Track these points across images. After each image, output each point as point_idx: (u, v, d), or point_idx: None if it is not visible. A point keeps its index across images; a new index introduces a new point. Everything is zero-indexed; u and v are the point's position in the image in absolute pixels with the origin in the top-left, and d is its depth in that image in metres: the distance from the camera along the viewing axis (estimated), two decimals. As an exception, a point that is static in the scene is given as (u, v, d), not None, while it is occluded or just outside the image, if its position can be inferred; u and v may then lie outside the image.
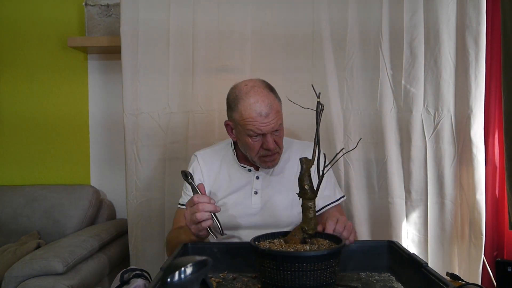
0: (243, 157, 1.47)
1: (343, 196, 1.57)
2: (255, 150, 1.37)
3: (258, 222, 1.43)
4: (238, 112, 1.34)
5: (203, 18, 1.94)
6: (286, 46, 1.93)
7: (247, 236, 1.40)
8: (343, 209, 1.90)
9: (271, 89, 1.38)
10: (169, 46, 1.95)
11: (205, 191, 1.30)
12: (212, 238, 1.33)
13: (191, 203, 1.21)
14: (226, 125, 1.45)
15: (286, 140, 1.50)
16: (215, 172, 1.50)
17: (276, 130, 1.36)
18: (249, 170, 1.47)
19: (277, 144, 1.37)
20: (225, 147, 1.54)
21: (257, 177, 1.47)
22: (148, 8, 1.95)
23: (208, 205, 1.19)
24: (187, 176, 1.33)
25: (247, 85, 1.36)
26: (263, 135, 1.34)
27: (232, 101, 1.38)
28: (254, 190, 1.45)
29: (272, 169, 1.47)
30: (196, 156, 1.54)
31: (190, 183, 1.32)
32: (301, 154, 1.46)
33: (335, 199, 1.51)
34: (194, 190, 1.29)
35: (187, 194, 1.50)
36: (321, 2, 1.89)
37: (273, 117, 1.32)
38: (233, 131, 1.43)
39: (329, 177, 1.52)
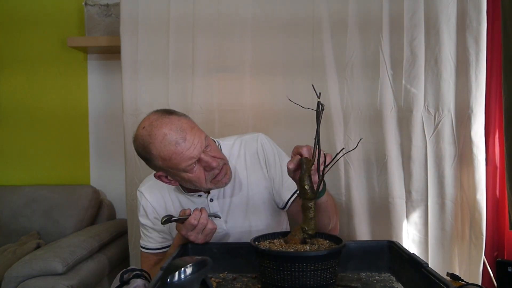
0: (189, 188, 1.33)
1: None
2: (203, 179, 1.24)
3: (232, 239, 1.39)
4: (156, 158, 1.19)
5: (203, 18, 1.94)
6: (286, 46, 1.93)
7: None
8: (343, 207, 1.91)
9: (169, 112, 1.25)
10: (169, 46, 1.95)
11: (190, 211, 1.22)
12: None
13: (191, 227, 1.18)
14: (159, 177, 1.29)
15: (224, 144, 1.41)
16: (166, 204, 1.39)
17: (206, 146, 1.23)
18: (200, 196, 1.35)
19: (216, 158, 1.24)
20: (231, 144, 1.43)
21: (211, 200, 1.36)
22: (147, 8, 1.95)
23: (205, 217, 1.20)
24: (166, 221, 1.19)
25: (144, 127, 1.21)
26: (199, 160, 1.21)
27: (144, 153, 1.22)
28: (210, 198, 1.36)
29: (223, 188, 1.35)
30: (141, 192, 1.41)
31: (176, 221, 1.20)
32: (245, 153, 1.40)
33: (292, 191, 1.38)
34: (182, 220, 1.20)
35: (147, 236, 1.41)
36: (321, 2, 1.89)
37: (192, 137, 1.19)
38: (168, 178, 1.28)
39: (282, 159, 1.40)
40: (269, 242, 1.09)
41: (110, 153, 2.38)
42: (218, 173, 1.25)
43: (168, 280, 0.74)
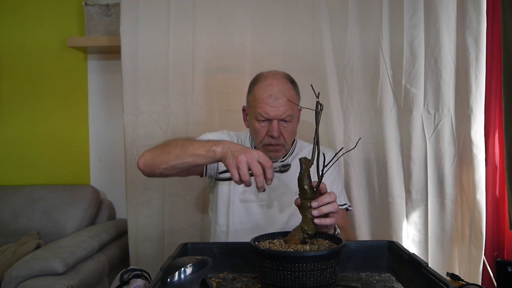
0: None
1: (347, 205, 1.51)
2: (261, 136, 1.37)
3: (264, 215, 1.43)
4: (252, 93, 1.38)
5: (203, 18, 1.94)
6: (286, 46, 1.93)
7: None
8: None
9: (291, 80, 1.40)
10: (169, 45, 1.95)
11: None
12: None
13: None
14: (243, 110, 1.48)
15: (300, 143, 1.52)
16: None
17: (285, 121, 1.35)
18: None
19: (282, 135, 1.36)
20: (244, 136, 1.54)
21: None
22: (148, 8, 1.95)
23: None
24: (222, 172, 1.19)
25: (269, 71, 1.40)
26: (270, 121, 1.34)
27: (251, 84, 1.42)
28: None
29: (285, 168, 1.42)
30: (225, 131, 1.54)
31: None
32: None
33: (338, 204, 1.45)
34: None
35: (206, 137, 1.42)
36: (321, 2, 1.89)
37: (283, 103, 1.32)
38: (247, 116, 1.45)
39: (337, 181, 1.50)
40: (269, 242, 1.09)
41: (110, 153, 2.38)
42: (272, 145, 1.36)
43: (168, 280, 0.74)
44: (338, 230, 1.21)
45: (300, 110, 1.46)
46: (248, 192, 1.44)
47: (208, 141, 1.23)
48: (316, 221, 1.04)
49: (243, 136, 1.56)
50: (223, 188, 1.46)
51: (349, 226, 1.52)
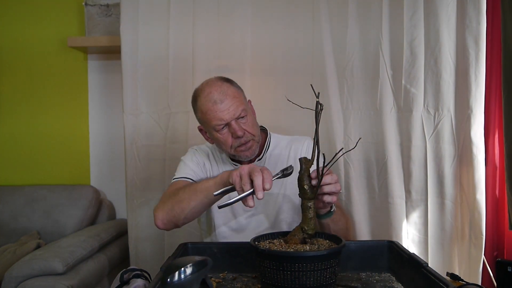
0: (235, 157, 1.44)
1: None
2: (228, 143, 1.35)
3: (258, 219, 1.44)
4: (199, 110, 1.37)
5: (203, 18, 1.94)
6: (286, 46, 1.93)
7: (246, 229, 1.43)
8: (343, 207, 1.91)
9: (226, 80, 1.39)
10: (169, 45, 1.95)
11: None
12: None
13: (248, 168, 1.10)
14: (200, 130, 1.45)
15: (275, 137, 1.51)
16: (207, 167, 1.48)
17: (242, 117, 1.34)
18: None
19: (246, 131, 1.34)
20: (216, 147, 1.51)
21: None
22: (148, 8, 1.95)
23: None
24: (223, 206, 1.10)
25: (201, 84, 1.39)
26: (228, 125, 1.33)
27: (193, 103, 1.40)
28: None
29: (264, 164, 1.44)
30: (194, 149, 1.53)
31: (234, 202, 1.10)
32: (290, 148, 1.48)
33: None
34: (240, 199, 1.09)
35: (185, 169, 1.44)
36: (321, 2, 1.89)
37: (230, 103, 1.31)
38: (207, 134, 1.42)
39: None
40: (269, 242, 1.09)
41: (110, 153, 2.38)
42: (244, 144, 1.35)
43: (168, 280, 0.74)
44: (334, 208, 1.24)
45: (249, 101, 1.45)
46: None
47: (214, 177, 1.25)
48: (319, 197, 1.07)
49: (211, 147, 1.53)
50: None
51: (346, 214, 1.51)
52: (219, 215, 1.45)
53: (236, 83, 1.41)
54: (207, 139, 1.45)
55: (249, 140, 1.36)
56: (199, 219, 1.54)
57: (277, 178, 1.10)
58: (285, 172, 1.12)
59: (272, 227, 1.44)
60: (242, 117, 1.34)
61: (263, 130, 1.50)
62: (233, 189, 1.09)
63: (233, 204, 1.07)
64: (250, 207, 1.04)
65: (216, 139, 1.38)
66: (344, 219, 1.35)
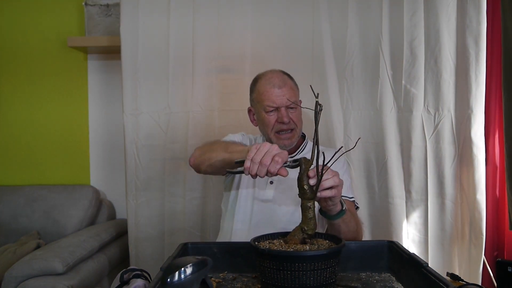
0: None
1: (354, 199, 1.51)
2: (271, 124, 1.45)
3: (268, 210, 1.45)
4: (256, 90, 1.48)
5: (203, 18, 1.94)
6: (286, 46, 1.93)
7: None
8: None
9: (287, 74, 1.51)
10: (169, 46, 1.95)
11: None
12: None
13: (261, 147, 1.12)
14: (249, 111, 1.56)
15: (310, 144, 1.55)
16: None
17: (291, 108, 1.44)
18: None
19: (292, 120, 1.44)
20: (258, 138, 1.61)
21: None
22: (148, 8, 1.95)
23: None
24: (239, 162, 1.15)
25: (266, 70, 1.51)
26: (278, 109, 1.43)
27: (252, 84, 1.52)
28: (269, 180, 1.48)
29: (296, 164, 1.45)
30: (242, 133, 1.63)
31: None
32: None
33: (346, 196, 1.43)
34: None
35: (235, 136, 1.55)
36: (321, 2, 1.89)
37: (286, 91, 1.43)
38: (254, 116, 1.53)
39: (345, 174, 1.50)
40: (269, 242, 1.09)
41: (110, 153, 2.38)
42: (284, 130, 1.45)
43: (168, 280, 0.74)
44: (345, 207, 1.23)
45: (301, 101, 1.53)
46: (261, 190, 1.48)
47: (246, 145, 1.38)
48: (318, 194, 1.07)
49: (259, 139, 1.61)
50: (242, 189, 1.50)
51: (358, 218, 1.48)
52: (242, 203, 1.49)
53: (294, 80, 1.52)
54: (252, 121, 1.56)
55: (293, 129, 1.46)
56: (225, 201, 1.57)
57: (285, 166, 1.10)
58: (293, 164, 1.12)
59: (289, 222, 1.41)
60: (292, 108, 1.45)
61: (302, 136, 1.58)
62: None
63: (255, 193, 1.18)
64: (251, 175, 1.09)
65: (261, 119, 1.47)
66: (354, 221, 1.34)
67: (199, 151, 1.41)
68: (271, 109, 1.44)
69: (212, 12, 1.94)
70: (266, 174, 1.08)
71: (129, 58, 1.95)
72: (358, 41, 1.89)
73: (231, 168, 1.23)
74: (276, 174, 1.08)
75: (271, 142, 1.47)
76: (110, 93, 2.35)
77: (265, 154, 1.08)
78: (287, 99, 1.42)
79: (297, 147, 1.54)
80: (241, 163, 1.13)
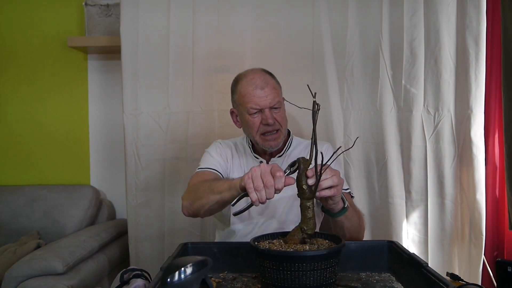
0: (258, 150, 1.52)
1: (350, 190, 1.54)
2: (255, 127, 1.42)
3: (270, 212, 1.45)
4: (238, 92, 1.45)
5: (203, 18, 1.94)
6: (286, 46, 1.93)
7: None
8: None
9: (268, 72, 1.48)
10: (169, 46, 1.95)
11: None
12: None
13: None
14: (231, 113, 1.53)
15: (296, 139, 1.58)
16: (229, 160, 1.54)
17: (275, 108, 1.42)
18: (261, 162, 1.48)
19: (276, 120, 1.42)
20: (240, 140, 1.59)
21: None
22: (148, 8, 1.95)
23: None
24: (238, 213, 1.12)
25: (246, 70, 1.49)
26: (262, 111, 1.40)
27: (233, 85, 1.49)
28: None
29: (282, 162, 1.48)
30: (219, 142, 1.59)
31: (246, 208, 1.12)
32: (308, 151, 1.48)
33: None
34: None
35: (210, 160, 1.49)
36: (321, 1, 1.89)
37: (269, 92, 1.40)
38: (237, 117, 1.50)
39: (336, 165, 1.48)
40: (269, 242, 1.09)
41: (110, 153, 2.38)
42: (269, 131, 1.42)
43: (168, 280, 0.74)
44: (347, 204, 1.22)
45: (283, 98, 1.50)
46: None
47: (232, 179, 1.31)
48: (316, 194, 1.06)
49: (239, 140, 1.59)
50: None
51: (358, 209, 1.49)
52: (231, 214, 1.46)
53: (275, 77, 1.49)
54: (235, 123, 1.53)
55: (277, 130, 1.43)
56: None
57: (287, 175, 1.09)
58: (292, 169, 1.11)
59: (280, 227, 1.43)
60: (276, 108, 1.42)
61: (287, 132, 1.56)
62: (247, 195, 1.07)
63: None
64: (261, 203, 1.05)
65: (245, 122, 1.45)
66: (356, 215, 1.36)
67: (186, 201, 1.34)
68: (255, 111, 1.41)
69: (212, 12, 1.94)
70: (275, 192, 1.05)
71: (129, 58, 1.95)
72: (358, 41, 1.89)
73: (228, 205, 1.22)
74: (284, 186, 1.05)
75: (257, 143, 1.46)
76: (110, 93, 2.35)
77: (262, 177, 1.05)
78: (270, 100, 1.40)
79: (283, 144, 1.51)
80: (238, 200, 1.10)
